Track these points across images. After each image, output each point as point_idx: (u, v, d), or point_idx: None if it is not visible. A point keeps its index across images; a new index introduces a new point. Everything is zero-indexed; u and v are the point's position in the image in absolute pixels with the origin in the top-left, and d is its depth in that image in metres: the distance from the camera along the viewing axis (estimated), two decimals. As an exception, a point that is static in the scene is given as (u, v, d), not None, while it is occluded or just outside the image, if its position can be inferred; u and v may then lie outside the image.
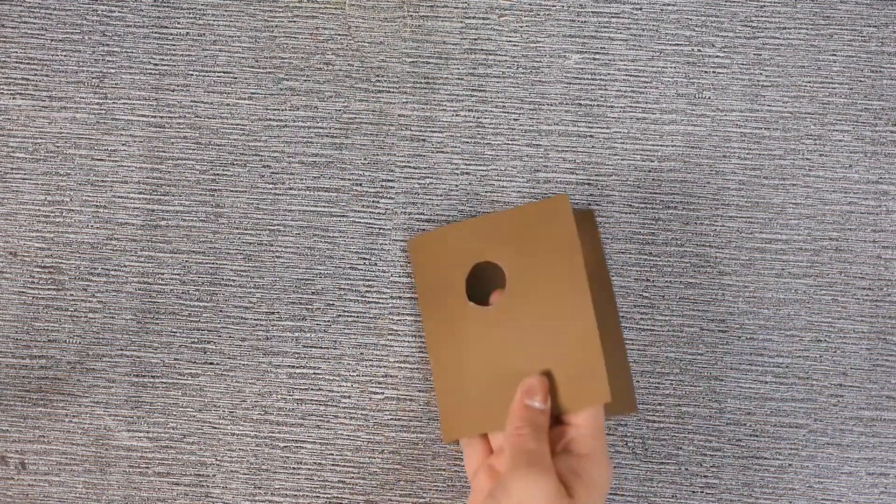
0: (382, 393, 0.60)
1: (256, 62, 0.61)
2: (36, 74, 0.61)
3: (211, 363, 0.60)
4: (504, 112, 0.61)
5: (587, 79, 0.61)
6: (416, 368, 0.60)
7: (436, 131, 0.61)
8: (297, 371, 0.60)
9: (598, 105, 0.60)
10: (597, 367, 0.53)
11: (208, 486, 0.59)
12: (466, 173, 0.60)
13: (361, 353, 0.60)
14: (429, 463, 0.59)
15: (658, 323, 0.59)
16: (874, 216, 0.60)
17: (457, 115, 0.61)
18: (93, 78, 0.61)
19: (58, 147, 0.61)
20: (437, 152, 0.61)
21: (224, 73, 0.61)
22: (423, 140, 0.61)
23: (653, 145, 0.60)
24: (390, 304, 0.60)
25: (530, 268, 0.56)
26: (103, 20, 0.62)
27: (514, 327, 0.56)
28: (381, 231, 0.60)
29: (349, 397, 0.60)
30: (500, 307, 0.56)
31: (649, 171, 0.60)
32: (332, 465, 0.59)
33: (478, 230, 0.57)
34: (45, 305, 0.60)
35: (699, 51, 0.61)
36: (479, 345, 0.56)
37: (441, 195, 0.60)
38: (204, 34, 0.61)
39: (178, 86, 0.61)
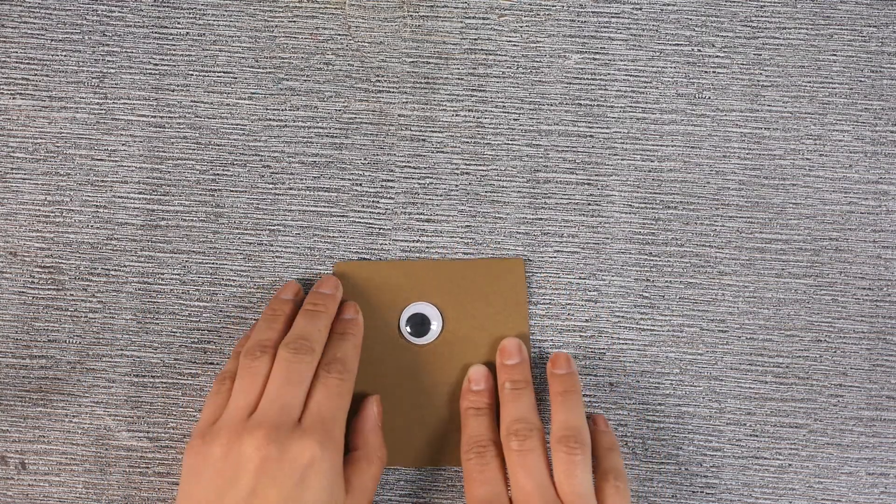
0: (382, 393, 0.60)
1: (256, 62, 0.61)
2: (36, 74, 0.61)
3: (211, 363, 0.60)
4: (504, 112, 0.61)
5: (587, 79, 0.61)
6: (416, 368, 0.60)
7: (436, 131, 0.61)
8: (297, 371, 0.60)
9: (598, 105, 0.60)
10: None
11: (208, 486, 0.59)
12: (466, 173, 0.60)
13: (361, 353, 0.60)
14: (429, 463, 0.59)
15: (658, 323, 0.59)
16: (874, 216, 0.60)
17: (457, 115, 0.61)
18: (93, 78, 0.61)
19: (58, 147, 0.61)
20: (437, 152, 0.61)
21: (224, 73, 0.61)
22: (423, 140, 0.61)
23: (653, 145, 0.60)
24: (390, 304, 0.60)
25: (471, 315, 0.59)
26: (103, 20, 0.62)
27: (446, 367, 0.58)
28: (381, 231, 0.60)
29: (349, 397, 0.60)
30: (433, 346, 0.58)
31: (649, 171, 0.60)
32: (332, 465, 0.59)
33: (414, 271, 0.59)
34: (45, 305, 0.60)
35: (699, 51, 0.61)
36: (410, 381, 0.58)
37: (441, 195, 0.60)
38: (204, 34, 0.61)
39: (178, 86, 0.61)
